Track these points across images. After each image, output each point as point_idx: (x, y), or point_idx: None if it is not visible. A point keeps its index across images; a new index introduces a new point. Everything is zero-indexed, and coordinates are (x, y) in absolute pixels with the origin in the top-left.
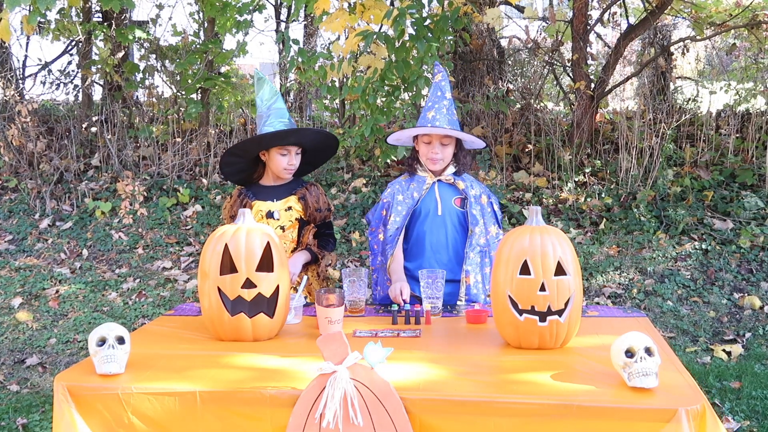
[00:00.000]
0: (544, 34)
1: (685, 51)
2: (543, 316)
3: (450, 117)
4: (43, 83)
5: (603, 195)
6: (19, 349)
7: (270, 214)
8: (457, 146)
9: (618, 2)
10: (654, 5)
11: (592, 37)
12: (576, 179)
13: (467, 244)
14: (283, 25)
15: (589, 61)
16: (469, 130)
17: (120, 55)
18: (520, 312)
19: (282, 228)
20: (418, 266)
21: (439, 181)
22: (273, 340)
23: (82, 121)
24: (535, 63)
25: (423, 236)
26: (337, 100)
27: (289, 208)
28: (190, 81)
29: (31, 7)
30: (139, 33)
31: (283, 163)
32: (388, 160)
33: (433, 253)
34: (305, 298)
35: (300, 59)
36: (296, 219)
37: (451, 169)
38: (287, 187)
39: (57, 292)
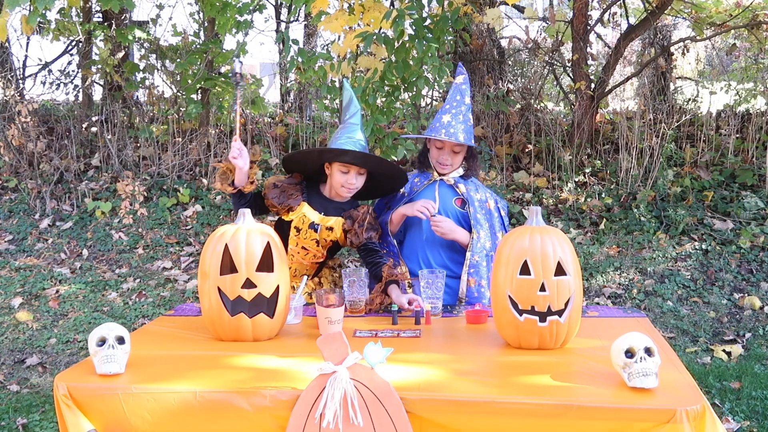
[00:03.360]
0: (544, 34)
1: (685, 51)
2: (543, 317)
3: (466, 124)
4: (43, 83)
5: (603, 195)
6: (19, 349)
7: (312, 226)
8: (468, 151)
9: (618, 2)
10: (654, 5)
11: (592, 37)
12: (576, 179)
13: (470, 246)
14: (283, 25)
15: (589, 61)
16: None
17: (120, 55)
18: (520, 312)
19: (317, 242)
20: (416, 262)
21: (441, 181)
22: (273, 340)
23: (82, 121)
24: (535, 63)
25: (419, 234)
26: (337, 100)
27: (331, 228)
28: (190, 81)
29: (31, 7)
30: (139, 33)
31: (342, 180)
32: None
33: (429, 250)
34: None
35: (300, 59)
36: (332, 240)
37: (460, 172)
38: (341, 205)
39: (57, 292)
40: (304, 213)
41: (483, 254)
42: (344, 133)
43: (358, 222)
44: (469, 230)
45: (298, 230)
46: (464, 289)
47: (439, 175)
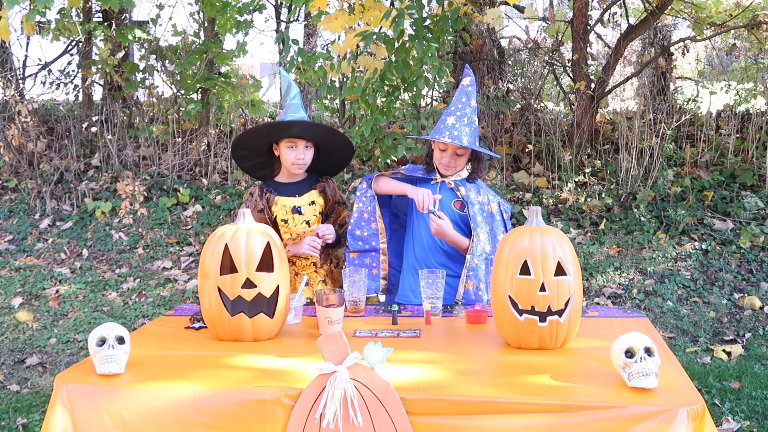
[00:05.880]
0: (544, 34)
1: (685, 51)
2: (543, 317)
3: (470, 127)
4: (44, 83)
5: (603, 195)
6: (19, 349)
7: (296, 210)
8: (472, 154)
9: (618, 2)
10: (654, 5)
11: (592, 37)
12: (576, 179)
13: (470, 249)
14: (283, 25)
15: (589, 61)
16: None
17: (120, 55)
18: (520, 312)
19: (308, 223)
20: (413, 261)
21: (443, 183)
22: (273, 340)
23: (82, 121)
24: (535, 63)
25: (418, 233)
26: (337, 100)
27: (312, 202)
28: (190, 81)
29: (30, 6)
30: (139, 33)
31: (291, 156)
32: (388, 160)
33: (428, 250)
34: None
35: (300, 59)
36: (320, 213)
37: (464, 174)
38: (306, 182)
39: (57, 292)
40: (283, 204)
41: (482, 258)
42: (288, 113)
43: (332, 199)
44: (469, 233)
45: (285, 221)
46: (461, 291)
47: (442, 176)
